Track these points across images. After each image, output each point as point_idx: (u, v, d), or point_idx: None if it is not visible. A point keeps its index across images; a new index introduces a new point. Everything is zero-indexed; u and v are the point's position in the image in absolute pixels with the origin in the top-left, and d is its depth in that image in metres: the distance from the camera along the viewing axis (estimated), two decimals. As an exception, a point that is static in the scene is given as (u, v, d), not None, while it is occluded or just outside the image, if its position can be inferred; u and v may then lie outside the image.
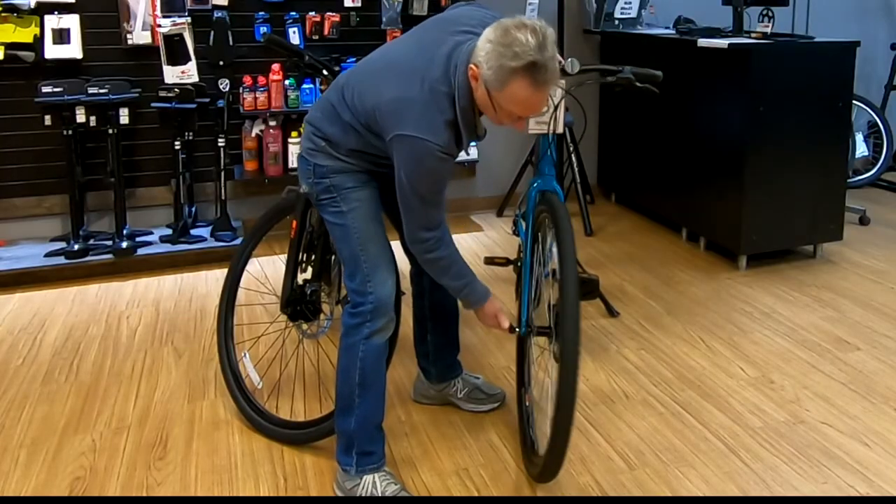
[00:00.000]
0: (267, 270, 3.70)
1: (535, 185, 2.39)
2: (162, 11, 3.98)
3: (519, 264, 2.54)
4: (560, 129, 2.41)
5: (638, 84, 2.33)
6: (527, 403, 2.41)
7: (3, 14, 3.79)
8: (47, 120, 3.85)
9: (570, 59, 2.22)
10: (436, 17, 2.17)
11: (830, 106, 3.83)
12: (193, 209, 4.25)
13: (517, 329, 2.30)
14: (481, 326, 3.19)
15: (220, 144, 4.14)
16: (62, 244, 3.95)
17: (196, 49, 4.04)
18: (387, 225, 2.22)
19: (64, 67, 3.94)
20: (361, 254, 2.13)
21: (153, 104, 4.02)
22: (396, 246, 2.31)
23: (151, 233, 4.15)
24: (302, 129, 4.19)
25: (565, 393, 1.95)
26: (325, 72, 3.04)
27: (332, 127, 2.11)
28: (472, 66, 1.88)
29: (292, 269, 2.46)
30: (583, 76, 2.29)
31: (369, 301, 2.12)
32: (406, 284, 2.52)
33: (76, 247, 3.88)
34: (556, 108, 2.32)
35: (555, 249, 2.20)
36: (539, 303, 2.36)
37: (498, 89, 1.85)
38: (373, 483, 2.14)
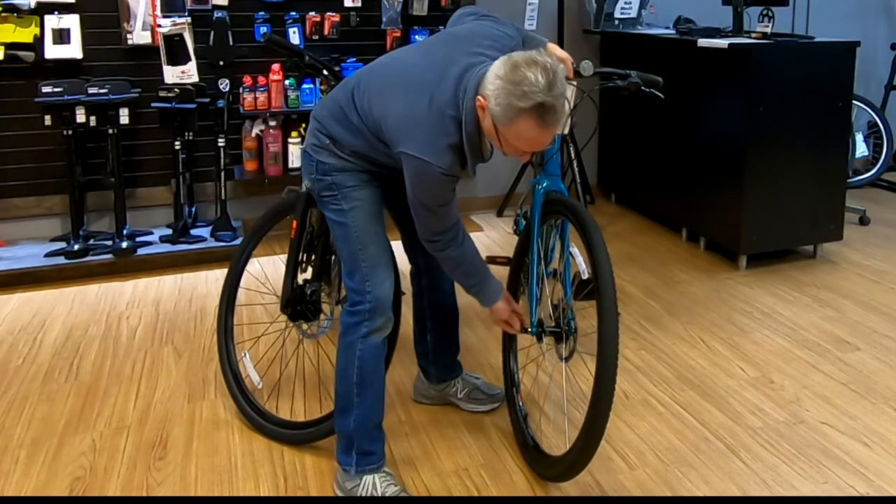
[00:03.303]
0: (267, 270, 3.69)
1: (543, 185, 2.40)
2: (162, 11, 3.98)
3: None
4: (566, 130, 2.41)
5: (644, 89, 2.33)
6: (520, 403, 2.42)
7: (3, 14, 3.79)
8: (47, 120, 3.85)
9: (584, 62, 2.22)
10: (450, 32, 2.16)
11: (830, 106, 3.83)
12: (193, 209, 4.25)
13: (528, 330, 2.30)
14: (481, 327, 3.20)
15: (220, 144, 4.14)
16: (62, 244, 3.95)
17: (196, 49, 4.05)
18: (388, 224, 2.23)
19: (64, 67, 3.94)
20: (360, 253, 2.14)
21: (153, 104, 4.03)
22: (397, 246, 2.32)
23: (151, 233, 4.15)
24: (303, 129, 4.21)
25: (603, 393, 1.96)
26: (325, 72, 3.03)
27: (338, 127, 2.11)
28: (479, 97, 1.88)
29: (292, 269, 2.46)
30: (592, 80, 2.29)
31: (367, 300, 2.12)
32: (406, 284, 2.52)
33: (76, 247, 3.88)
34: (572, 109, 2.32)
35: (574, 251, 2.22)
36: (540, 302, 2.36)
37: (505, 125, 1.84)
38: (373, 484, 2.14)
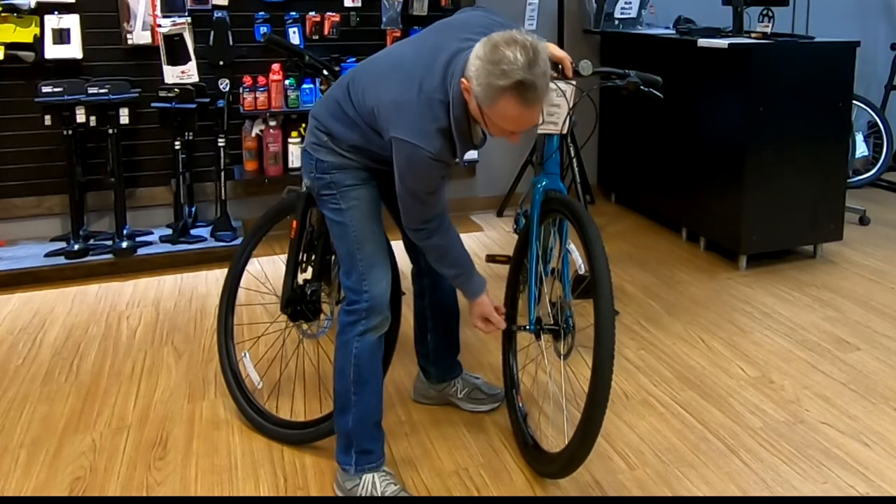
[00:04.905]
0: (267, 270, 3.70)
1: (542, 184, 2.41)
2: (162, 11, 3.98)
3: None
4: (566, 130, 2.43)
5: (643, 88, 2.34)
6: (519, 404, 2.42)
7: (3, 14, 3.79)
8: (47, 120, 3.85)
9: (583, 62, 2.22)
10: (444, 21, 2.17)
11: (830, 106, 3.83)
12: (193, 209, 4.25)
13: (520, 327, 2.30)
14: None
15: (220, 144, 4.14)
16: (62, 244, 3.95)
17: (196, 49, 4.05)
18: (387, 223, 2.23)
19: (64, 67, 3.94)
20: (358, 252, 2.14)
21: (153, 104, 4.03)
22: (397, 245, 2.32)
23: (151, 233, 4.15)
24: (303, 129, 4.21)
25: (601, 385, 1.97)
26: (325, 72, 3.04)
27: (335, 122, 2.12)
28: (463, 79, 1.88)
29: (292, 269, 2.46)
30: (591, 79, 2.29)
31: (364, 299, 2.13)
32: (407, 284, 2.52)
33: (76, 247, 3.88)
34: (571, 108, 2.33)
35: (571, 247, 2.25)
36: (539, 300, 2.37)
37: (488, 106, 1.85)
38: (372, 483, 2.14)
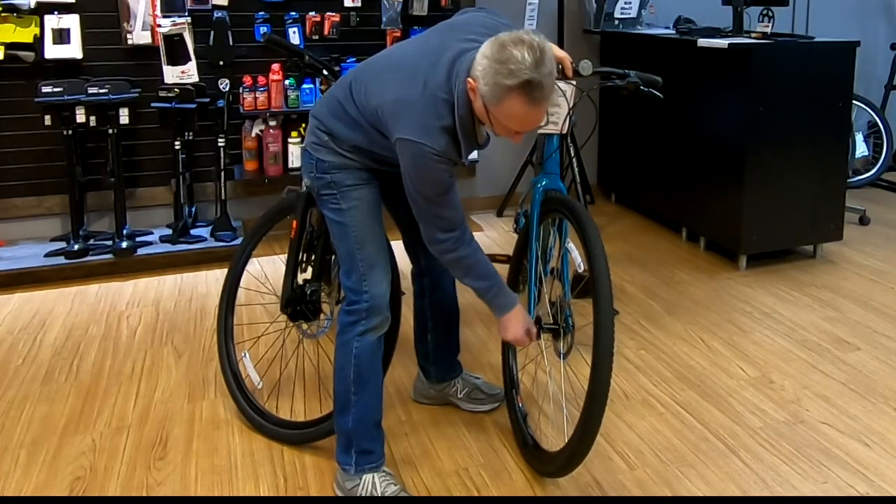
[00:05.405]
0: (267, 270, 3.70)
1: (542, 184, 2.41)
2: (162, 11, 3.98)
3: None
4: (566, 130, 2.43)
5: (643, 88, 2.34)
6: (519, 404, 2.42)
7: (3, 14, 3.79)
8: (47, 120, 3.85)
9: (583, 62, 2.22)
10: (446, 22, 2.17)
11: (830, 106, 3.83)
12: (193, 209, 4.25)
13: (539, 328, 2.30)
14: (481, 326, 3.20)
15: (220, 144, 4.14)
16: (62, 244, 3.95)
17: (196, 49, 4.05)
18: (387, 223, 2.23)
19: (64, 67, 3.94)
20: (358, 252, 2.14)
21: (153, 104, 4.03)
22: (397, 245, 2.32)
23: (151, 233, 4.15)
24: (303, 129, 4.21)
25: (600, 382, 1.97)
26: (325, 72, 3.04)
27: (336, 122, 2.12)
28: (469, 79, 1.88)
29: (292, 269, 2.46)
30: (591, 79, 2.29)
31: (364, 300, 2.13)
32: (406, 284, 2.52)
33: (76, 247, 3.88)
34: (571, 108, 2.33)
35: (571, 245, 2.27)
36: (539, 300, 2.37)
37: (494, 105, 1.85)
38: (372, 483, 2.14)
